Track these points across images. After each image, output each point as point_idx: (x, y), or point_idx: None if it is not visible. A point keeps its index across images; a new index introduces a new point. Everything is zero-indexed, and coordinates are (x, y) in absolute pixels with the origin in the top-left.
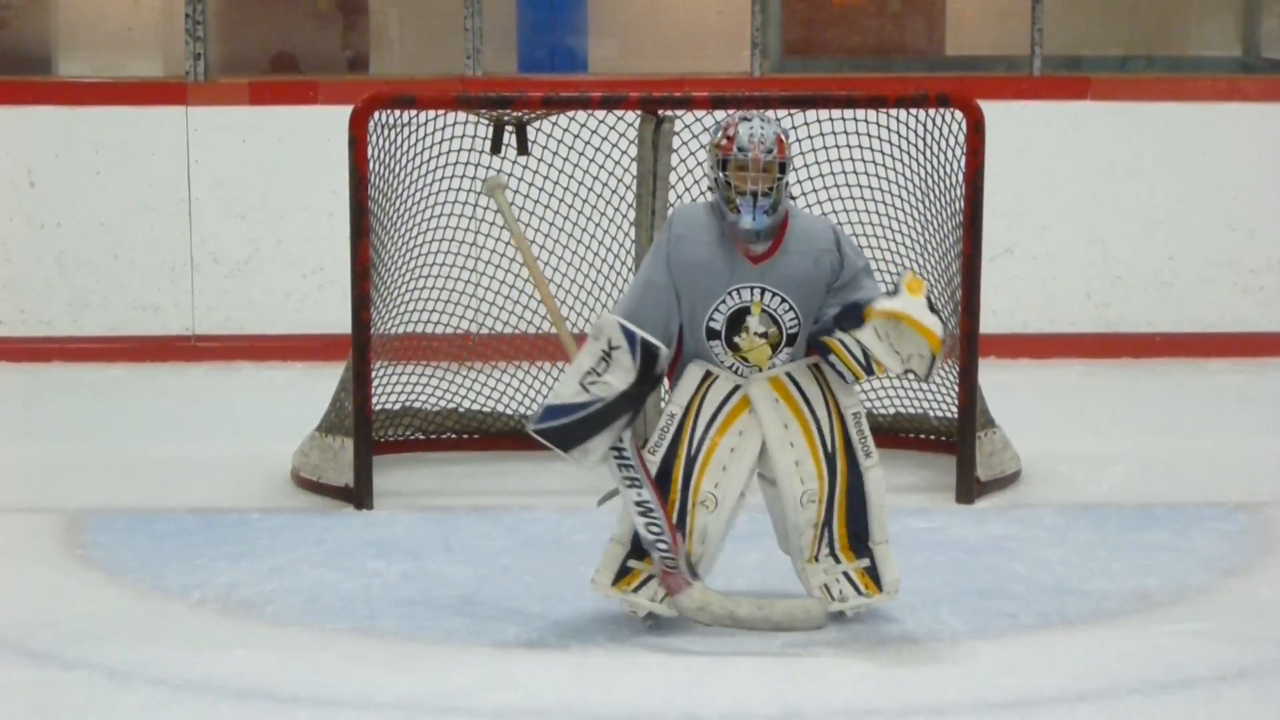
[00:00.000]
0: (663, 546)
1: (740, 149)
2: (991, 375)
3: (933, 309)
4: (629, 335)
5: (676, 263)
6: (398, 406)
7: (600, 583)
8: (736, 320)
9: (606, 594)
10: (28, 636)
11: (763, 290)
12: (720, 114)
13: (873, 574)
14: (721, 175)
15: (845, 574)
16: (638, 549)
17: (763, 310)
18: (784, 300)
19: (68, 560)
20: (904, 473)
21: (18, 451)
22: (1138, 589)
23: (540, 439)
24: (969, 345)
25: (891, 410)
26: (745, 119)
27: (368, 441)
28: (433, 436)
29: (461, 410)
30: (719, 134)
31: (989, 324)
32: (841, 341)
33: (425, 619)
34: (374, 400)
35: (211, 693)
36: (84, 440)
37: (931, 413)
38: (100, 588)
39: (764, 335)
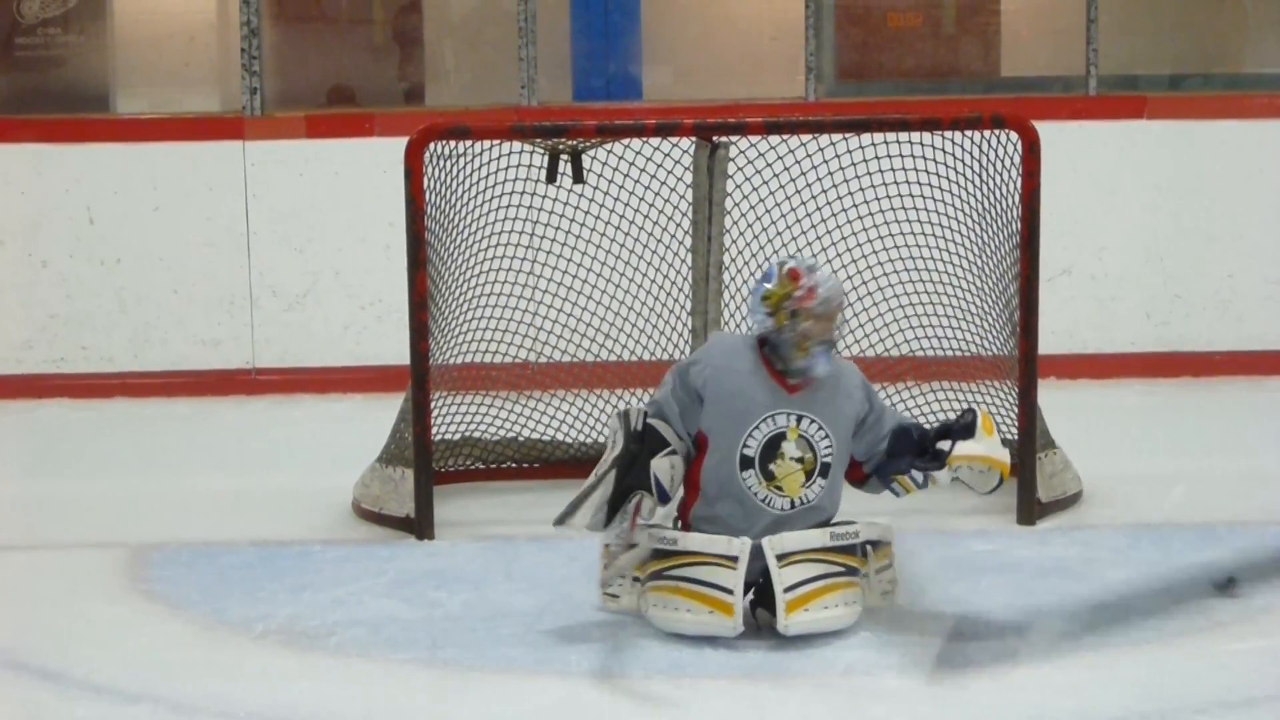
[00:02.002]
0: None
1: (823, 301)
2: (1051, 396)
3: (1004, 442)
4: (624, 413)
5: (712, 392)
6: (457, 437)
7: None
8: (771, 446)
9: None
10: (92, 672)
11: (799, 417)
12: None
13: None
14: (796, 326)
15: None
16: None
17: (799, 436)
18: (821, 427)
19: (131, 595)
20: (965, 495)
21: (81, 487)
22: (1201, 609)
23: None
24: (1028, 367)
25: None
26: (811, 269)
27: (428, 472)
28: (493, 466)
29: (521, 439)
30: (784, 282)
31: (1048, 345)
32: (914, 480)
33: (488, 649)
34: (434, 430)
35: None
36: (146, 475)
37: None
38: (163, 621)
39: (800, 461)
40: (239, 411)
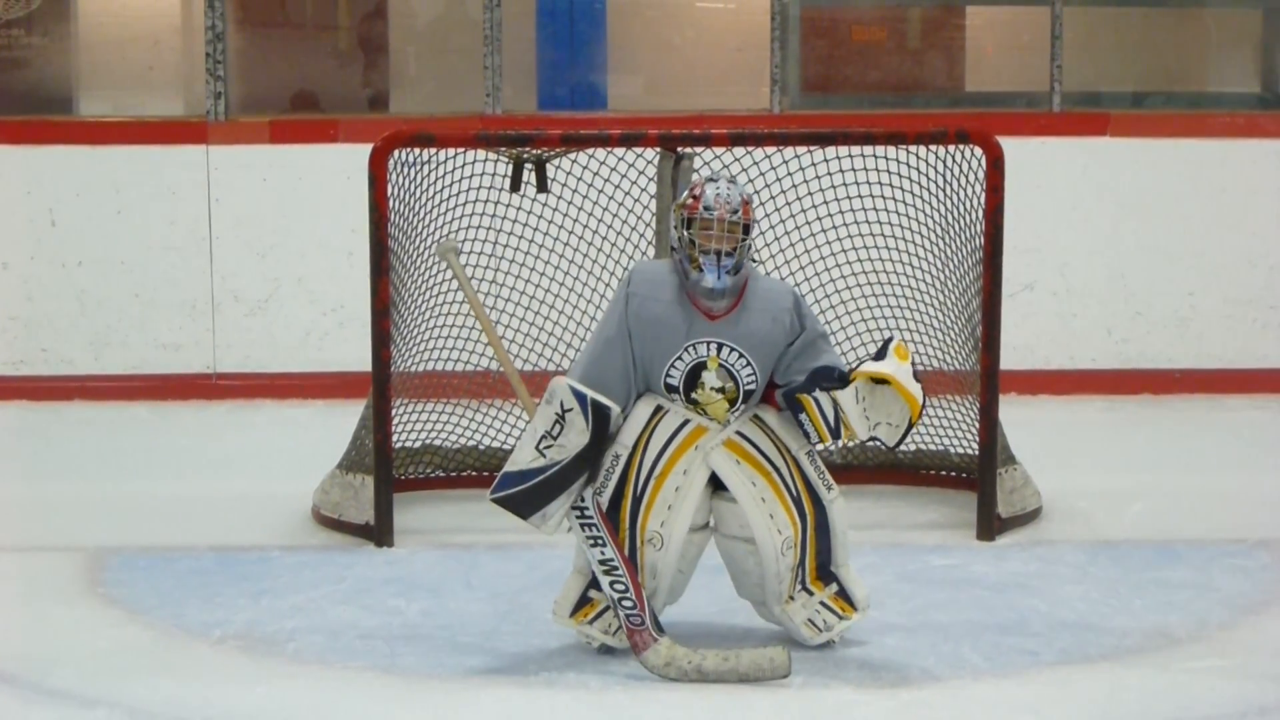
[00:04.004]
0: (628, 604)
1: (706, 208)
2: (1012, 412)
3: (916, 377)
4: (580, 397)
5: (635, 320)
6: (418, 444)
7: (559, 614)
8: (694, 375)
9: (564, 624)
10: (48, 675)
11: (719, 345)
12: (739, 150)
13: (844, 596)
14: (686, 234)
15: (821, 603)
16: (597, 580)
17: (720, 365)
18: (741, 356)
19: (89, 598)
20: (924, 509)
21: (39, 490)
22: (1159, 626)
23: (499, 507)
24: (989, 381)
25: (912, 447)
26: (712, 180)
27: (388, 479)
28: (453, 474)
29: (482, 448)
30: (685, 195)
31: (1009, 360)
32: (817, 401)
33: (446, 656)
34: (394, 438)
35: None
36: (105, 479)
37: (952, 449)
38: (121, 626)
39: (721, 390)
40: (199, 416)
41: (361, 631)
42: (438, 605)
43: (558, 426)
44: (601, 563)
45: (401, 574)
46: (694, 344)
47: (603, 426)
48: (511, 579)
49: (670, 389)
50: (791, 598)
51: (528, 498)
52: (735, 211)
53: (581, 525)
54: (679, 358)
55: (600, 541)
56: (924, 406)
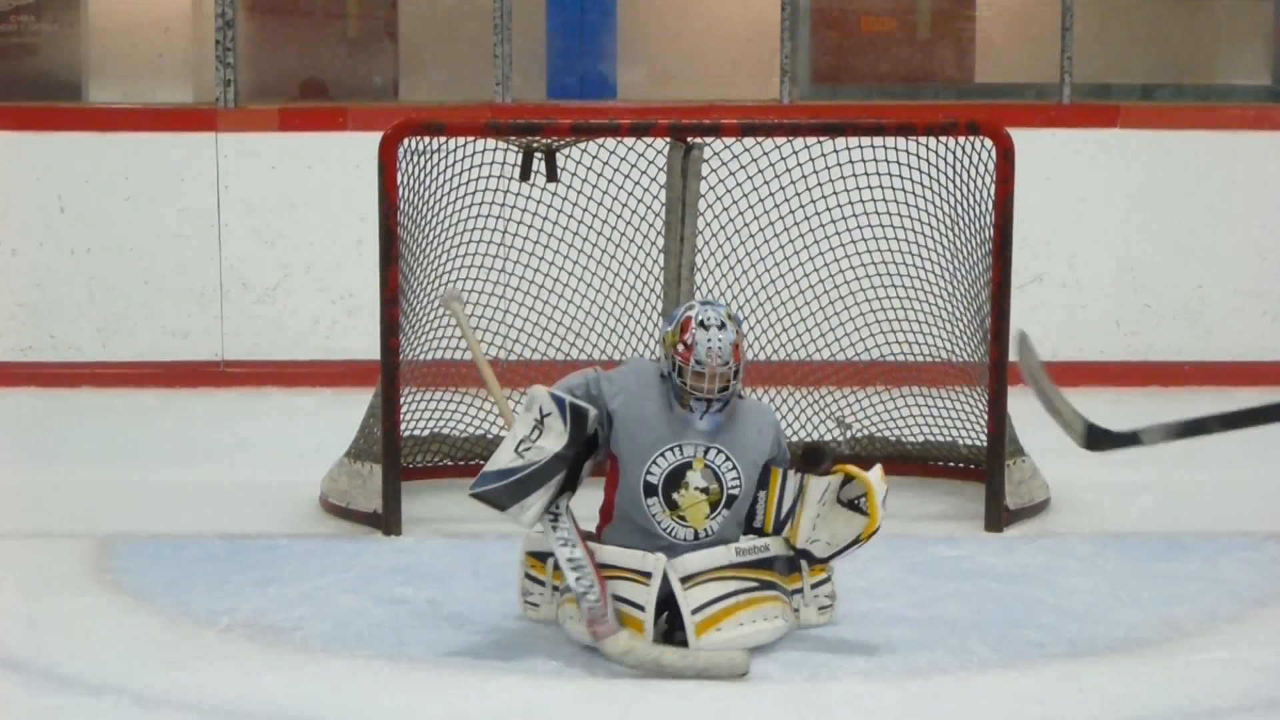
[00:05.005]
0: (591, 597)
1: (698, 361)
2: (1020, 403)
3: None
4: (559, 401)
5: (621, 417)
6: (426, 433)
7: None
8: (676, 476)
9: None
10: (56, 663)
11: (707, 448)
12: (749, 140)
13: (806, 557)
14: (677, 379)
15: (811, 587)
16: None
17: (705, 466)
18: (728, 459)
19: (96, 586)
20: (933, 501)
21: (47, 477)
22: (1167, 618)
23: (478, 501)
24: (998, 373)
25: (920, 438)
26: (703, 325)
27: (396, 467)
28: (461, 463)
29: (490, 436)
30: (676, 331)
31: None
32: (784, 479)
33: (453, 645)
34: (402, 426)
35: (240, 718)
36: (113, 466)
37: (960, 441)
38: (128, 613)
39: (705, 491)
40: (207, 403)
41: (369, 620)
42: (445, 594)
43: (536, 431)
44: (570, 560)
45: (409, 563)
46: (680, 444)
47: (581, 428)
48: (519, 568)
49: (649, 489)
50: (797, 610)
51: (507, 492)
52: (727, 363)
53: (554, 526)
54: (662, 455)
55: (570, 543)
56: (877, 532)
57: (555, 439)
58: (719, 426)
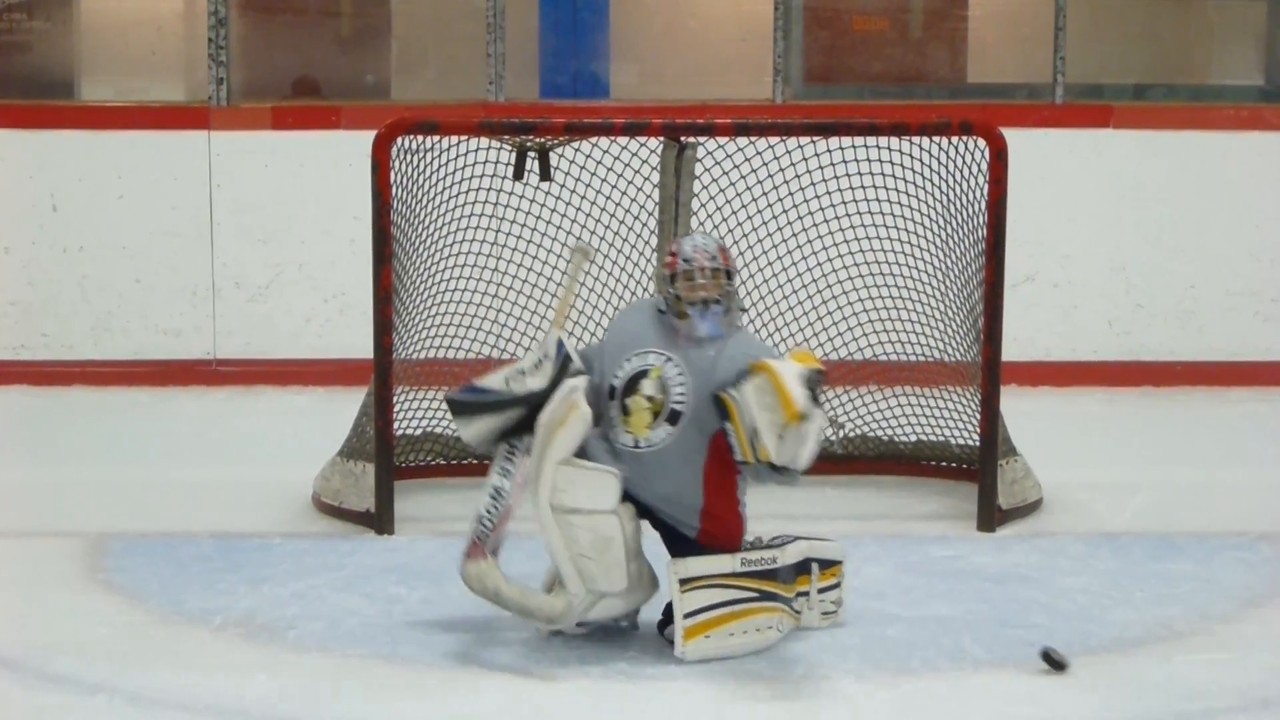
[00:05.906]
0: (487, 525)
1: (685, 260)
2: (1013, 403)
3: (813, 391)
4: (560, 348)
5: (607, 337)
6: (419, 432)
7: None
8: (634, 381)
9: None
10: (49, 661)
11: (668, 359)
12: (742, 139)
13: (817, 563)
14: (671, 290)
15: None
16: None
17: (660, 376)
18: (683, 374)
19: (89, 584)
20: (925, 500)
21: (39, 475)
22: (1160, 618)
23: (447, 405)
24: (991, 373)
25: (913, 438)
26: (687, 235)
27: (389, 467)
28: (454, 462)
29: None
30: (665, 253)
31: (1010, 352)
32: (738, 402)
33: (447, 645)
34: (395, 425)
35: (233, 717)
36: (105, 464)
37: (953, 440)
38: (122, 612)
39: (650, 400)
40: (199, 402)
41: (362, 619)
42: (438, 593)
43: (534, 368)
44: (495, 489)
45: (402, 562)
46: (647, 351)
47: (561, 376)
48: (512, 568)
49: (611, 391)
50: (798, 612)
51: (471, 408)
52: (714, 258)
53: (505, 456)
54: (628, 359)
55: (508, 475)
56: (806, 414)
57: (538, 381)
58: (717, 333)
